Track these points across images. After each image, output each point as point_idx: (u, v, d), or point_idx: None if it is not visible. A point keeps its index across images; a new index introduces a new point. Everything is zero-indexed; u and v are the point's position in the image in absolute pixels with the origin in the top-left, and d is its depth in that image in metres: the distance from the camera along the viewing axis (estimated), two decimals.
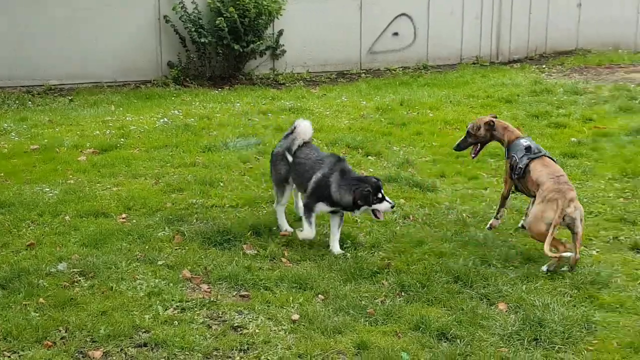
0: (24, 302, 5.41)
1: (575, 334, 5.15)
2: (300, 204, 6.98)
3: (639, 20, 18.93)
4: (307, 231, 6.63)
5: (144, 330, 5.12)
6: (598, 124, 11.11)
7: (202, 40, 14.67)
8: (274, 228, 7.00)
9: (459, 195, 8.12)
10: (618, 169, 8.76)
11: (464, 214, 7.49)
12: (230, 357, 4.85)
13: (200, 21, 14.83)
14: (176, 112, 12.28)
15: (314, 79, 16.04)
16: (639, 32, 18.97)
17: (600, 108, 12.16)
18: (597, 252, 6.61)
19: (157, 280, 5.86)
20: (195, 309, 5.46)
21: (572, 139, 10.22)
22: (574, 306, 5.57)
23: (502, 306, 5.61)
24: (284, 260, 6.39)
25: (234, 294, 5.76)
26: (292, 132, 6.96)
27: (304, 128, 6.94)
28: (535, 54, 18.33)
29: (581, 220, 6.20)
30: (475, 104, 12.64)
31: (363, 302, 5.65)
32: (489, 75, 15.77)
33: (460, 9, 17.49)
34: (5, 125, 11.11)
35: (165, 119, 11.64)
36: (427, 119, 11.58)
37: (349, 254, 6.50)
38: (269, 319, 5.39)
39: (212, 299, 5.61)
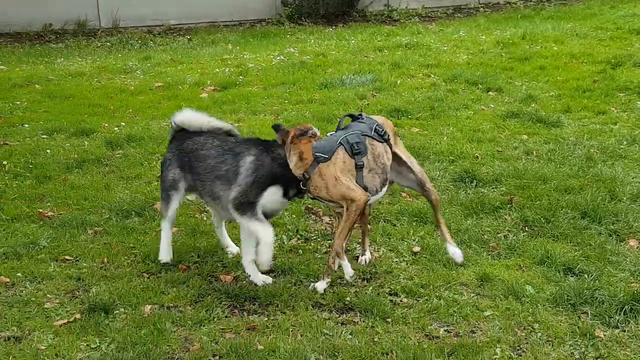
0: (158, 229, 5.66)
1: None
2: None
3: None
4: None
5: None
6: None
7: None
8: None
9: (586, 131, 7.82)
10: None
11: (592, 150, 7.22)
12: (353, 285, 4.92)
13: None
14: (292, 50, 12.34)
15: (429, 14, 15.74)
16: None
17: None
18: None
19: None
20: (318, 240, 5.55)
21: None
22: None
23: (632, 242, 5.42)
24: (403, 194, 6.38)
25: (355, 226, 5.80)
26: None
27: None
28: None
29: None
30: (604, 37, 12.08)
31: (485, 237, 5.59)
32: (619, 6, 14.98)
33: None
34: (131, 63, 11.51)
35: (282, 57, 11.73)
36: (551, 53, 11.16)
37: (470, 190, 6.40)
38: (390, 250, 5.43)
39: (333, 231, 5.68)
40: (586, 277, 4.94)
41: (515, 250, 5.38)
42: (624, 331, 4.37)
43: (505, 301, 4.72)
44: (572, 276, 5.00)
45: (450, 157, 7.17)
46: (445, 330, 4.43)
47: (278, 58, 11.69)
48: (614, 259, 5.18)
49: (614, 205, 5.95)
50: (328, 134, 4.93)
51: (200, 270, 5.10)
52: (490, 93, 9.36)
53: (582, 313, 4.57)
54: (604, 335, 4.33)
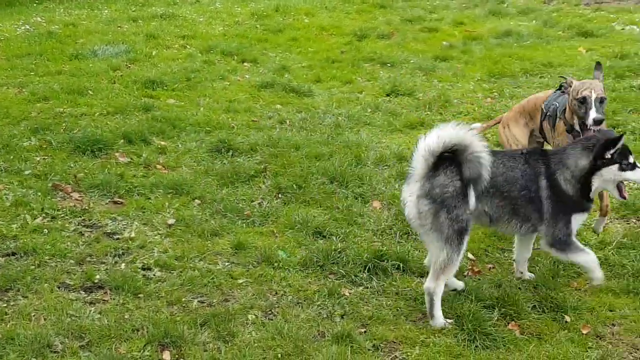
0: None
1: None
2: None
3: None
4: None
5: (11, 239, 4.92)
6: (468, 27, 11.35)
7: None
8: (149, 136, 6.80)
9: (335, 99, 8.15)
10: (486, 71, 9.03)
11: (340, 118, 7.54)
12: (104, 262, 4.75)
13: None
14: (39, 19, 11.64)
15: None
16: None
17: (471, 12, 12.41)
18: None
19: (24, 190, 5.61)
20: (67, 217, 5.28)
21: (444, 42, 10.41)
22: None
23: (376, 204, 5.74)
24: (158, 167, 6.27)
25: (107, 201, 5.61)
26: None
27: None
28: None
29: None
30: (351, 10, 12.63)
31: (240, 205, 5.65)
32: None
33: None
34: None
35: (27, 27, 11.02)
36: (303, 25, 11.48)
37: (226, 160, 6.43)
38: (144, 224, 5.31)
39: (84, 207, 5.44)
40: (334, 239, 5.17)
41: (269, 217, 5.50)
42: (367, 288, 4.63)
43: (258, 268, 4.82)
44: (321, 239, 5.20)
45: (207, 128, 7.16)
46: (199, 301, 4.42)
47: (23, 27, 10.96)
48: (360, 221, 5.46)
49: (360, 170, 6.26)
50: None
51: None
52: (245, 64, 9.44)
53: (330, 274, 4.78)
54: (350, 293, 4.56)
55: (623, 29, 10.89)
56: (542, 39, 10.48)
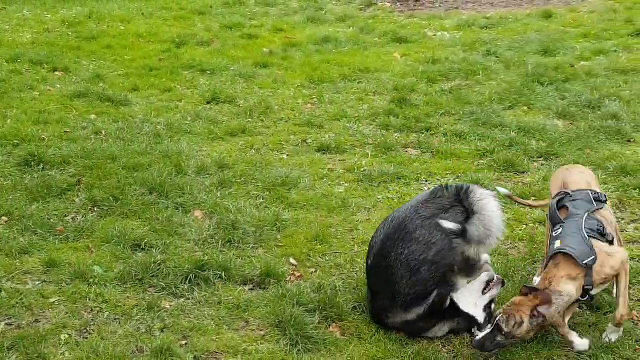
0: None
1: (267, 233, 5.35)
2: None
3: None
4: None
5: None
6: (288, 34, 11.44)
7: None
8: None
9: (154, 108, 7.93)
10: (306, 77, 9.12)
11: (159, 127, 7.35)
12: None
13: None
14: None
15: None
16: None
17: (290, 19, 12.49)
18: (288, 155, 6.86)
19: None
20: None
21: (264, 49, 10.43)
22: (266, 207, 5.76)
23: (197, 213, 5.63)
24: None
25: None
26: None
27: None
28: None
29: None
30: (168, 17, 12.34)
31: (52, 221, 5.40)
32: None
33: None
34: None
35: None
36: (119, 32, 11.11)
37: (36, 174, 6.09)
38: None
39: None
40: (154, 251, 5.03)
41: (84, 232, 5.30)
42: (189, 299, 4.54)
43: (72, 285, 4.63)
44: (140, 252, 5.05)
45: (15, 141, 6.77)
46: (6, 324, 4.21)
47: None
48: (181, 231, 5.34)
49: (180, 179, 6.12)
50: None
51: None
52: (56, 73, 9.00)
53: (150, 287, 4.65)
54: (170, 305, 4.45)
55: (435, 35, 11.38)
56: (359, 45, 10.74)
